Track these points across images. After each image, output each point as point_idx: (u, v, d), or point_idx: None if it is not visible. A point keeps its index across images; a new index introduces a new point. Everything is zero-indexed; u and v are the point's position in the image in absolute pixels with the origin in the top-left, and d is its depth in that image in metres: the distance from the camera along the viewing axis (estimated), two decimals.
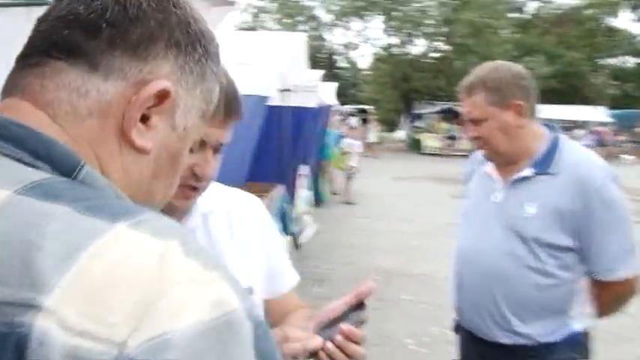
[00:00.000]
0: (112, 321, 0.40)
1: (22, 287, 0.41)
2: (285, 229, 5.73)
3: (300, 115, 6.55)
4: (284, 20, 29.37)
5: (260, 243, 1.29)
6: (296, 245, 6.40)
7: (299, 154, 6.99)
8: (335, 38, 32.30)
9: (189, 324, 0.41)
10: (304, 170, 7.68)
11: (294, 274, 1.37)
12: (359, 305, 1.03)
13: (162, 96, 0.57)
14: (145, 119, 0.57)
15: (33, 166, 0.51)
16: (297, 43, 6.66)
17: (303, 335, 1.05)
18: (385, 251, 6.84)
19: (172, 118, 0.59)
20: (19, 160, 0.51)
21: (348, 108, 22.31)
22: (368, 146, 17.90)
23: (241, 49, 4.07)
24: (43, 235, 0.43)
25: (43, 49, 0.56)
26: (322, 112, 8.82)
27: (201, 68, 0.61)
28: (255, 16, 30.37)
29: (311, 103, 7.09)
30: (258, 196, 1.37)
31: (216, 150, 1.09)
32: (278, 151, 5.90)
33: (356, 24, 29.71)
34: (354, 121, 17.87)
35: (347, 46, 31.96)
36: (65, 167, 0.52)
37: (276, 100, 5.24)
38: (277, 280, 1.31)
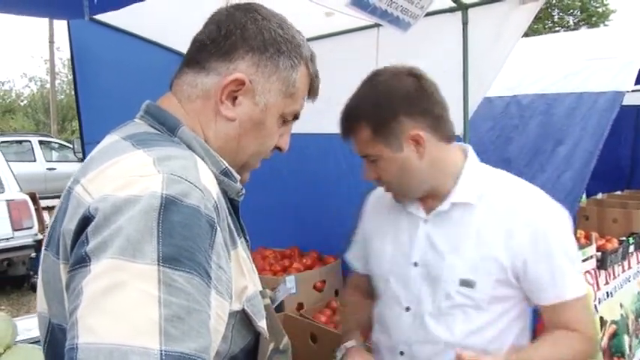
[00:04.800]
0: (100, 190, 0.74)
1: (81, 174, 0.81)
2: None
3: None
4: None
5: (506, 248, 1.30)
6: None
7: None
8: None
9: (124, 195, 0.71)
10: None
11: (561, 290, 1.31)
12: None
13: (240, 83, 0.91)
14: (235, 98, 0.92)
15: (154, 127, 0.90)
16: None
17: None
18: None
19: (253, 97, 0.93)
20: (149, 124, 0.91)
21: None
22: None
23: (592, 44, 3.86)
24: (107, 153, 0.82)
25: (184, 60, 0.97)
26: None
27: (272, 63, 0.94)
28: None
29: None
30: None
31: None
32: None
33: None
34: None
35: None
36: (170, 127, 0.90)
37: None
38: (540, 291, 1.32)
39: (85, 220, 0.72)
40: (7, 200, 6.11)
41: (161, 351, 0.63)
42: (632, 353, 3.62)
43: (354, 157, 3.30)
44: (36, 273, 6.50)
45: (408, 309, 1.43)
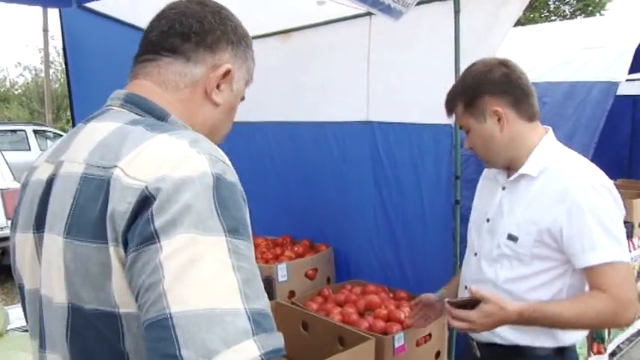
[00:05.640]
0: (145, 172, 0.80)
1: (112, 159, 0.84)
2: None
3: None
4: None
5: (547, 216, 1.55)
6: None
7: None
8: None
9: (179, 175, 0.78)
10: None
11: (590, 256, 1.50)
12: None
13: (227, 73, 1.02)
14: (218, 86, 1.02)
15: (142, 116, 0.94)
16: None
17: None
18: None
19: (232, 84, 1.05)
20: (135, 113, 0.95)
21: None
22: None
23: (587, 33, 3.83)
24: (127, 138, 0.86)
25: (155, 50, 1.00)
26: None
27: (244, 54, 1.07)
28: None
29: None
30: None
31: None
32: None
33: None
34: None
35: None
36: (159, 116, 0.95)
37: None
38: (573, 255, 1.54)
39: (145, 200, 0.78)
40: (1, 189, 6.12)
41: (246, 309, 0.74)
42: (609, 339, 3.70)
43: (346, 145, 3.33)
44: None
45: (476, 254, 1.79)
